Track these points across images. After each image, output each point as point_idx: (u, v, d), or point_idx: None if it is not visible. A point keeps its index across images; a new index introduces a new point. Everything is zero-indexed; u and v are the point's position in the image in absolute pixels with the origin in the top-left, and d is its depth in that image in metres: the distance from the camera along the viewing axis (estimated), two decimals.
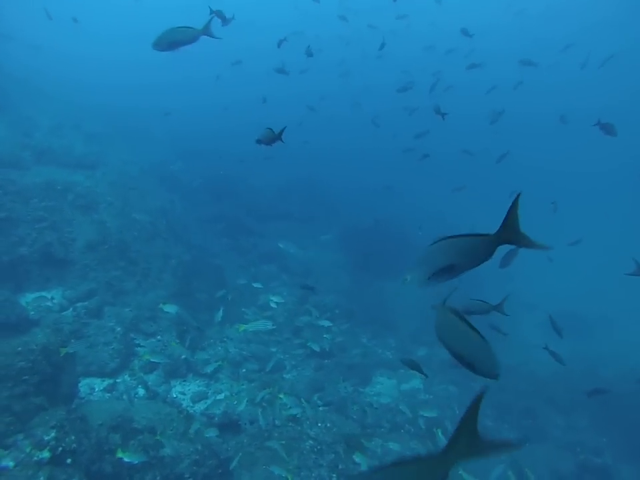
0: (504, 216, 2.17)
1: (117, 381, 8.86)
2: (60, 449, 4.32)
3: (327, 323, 12.84)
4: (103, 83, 27.59)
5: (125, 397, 8.50)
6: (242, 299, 14.31)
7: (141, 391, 8.82)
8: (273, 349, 12.96)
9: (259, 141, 5.13)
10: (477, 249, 2.30)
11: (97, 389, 8.50)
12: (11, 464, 4.14)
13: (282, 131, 5.13)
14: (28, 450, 4.27)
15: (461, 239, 2.34)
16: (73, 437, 4.69)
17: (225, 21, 11.10)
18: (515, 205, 2.13)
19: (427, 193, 27.34)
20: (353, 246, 21.08)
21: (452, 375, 15.87)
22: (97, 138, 16.46)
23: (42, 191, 11.10)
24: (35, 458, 4.19)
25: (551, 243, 2.10)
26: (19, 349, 6.41)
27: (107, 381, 8.78)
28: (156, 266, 11.66)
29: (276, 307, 15.43)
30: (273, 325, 9.04)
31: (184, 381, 9.61)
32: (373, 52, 15.41)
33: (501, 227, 2.19)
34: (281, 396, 8.26)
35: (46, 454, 4.19)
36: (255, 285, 12.97)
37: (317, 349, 12.68)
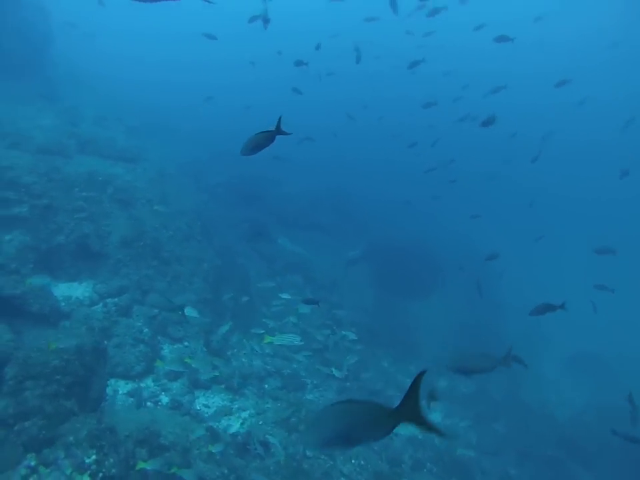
0: (404, 394, 2.16)
1: (141, 385, 8.53)
2: (100, 474, 3.96)
3: (351, 335, 12.48)
4: (142, 79, 27.79)
5: (149, 403, 8.18)
6: (267, 309, 14.03)
7: (164, 399, 8.46)
8: (295, 365, 12.55)
9: (245, 152, 4.25)
10: (375, 422, 2.18)
11: (120, 392, 8.17)
12: None
13: (278, 123, 4.18)
14: (69, 472, 3.94)
15: (361, 406, 2.22)
16: (111, 460, 4.34)
17: (266, 22, 11.03)
18: (415, 384, 2.12)
19: (454, 212, 26.79)
20: (380, 264, 20.70)
21: (471, 411, 15.37)
22: (137, 132, 16.43)
23: (84, 181, 10.94)
24: None
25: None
26: (54, 347, 6.12)
27: (131, 384, 8.46)
28: (188, 268, 11.38)
29: (296, 321, 15.19)
30: (300, 341, 8.66)
31: (208, 392, 9.23)
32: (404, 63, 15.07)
33: (400, 405, 2.15)
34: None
35: (86, 479, 3.83)
36: (283, 296, 12.65)
37: (339, 375, 12.38)
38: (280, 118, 4.18)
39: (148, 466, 5.49)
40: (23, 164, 9.74)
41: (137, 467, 5.31)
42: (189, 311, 8.56)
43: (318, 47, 12.09)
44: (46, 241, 9.45)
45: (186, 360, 8.07)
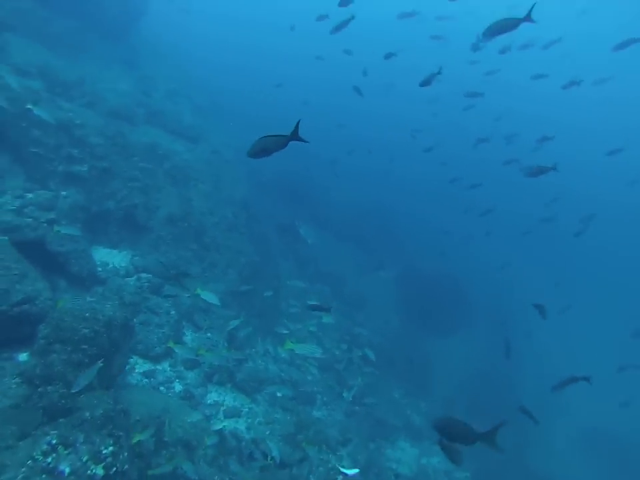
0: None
1: (158, 367, 8.40)
2: (114, 469, 3.78)
3: (370, 355, 12.10)
4: (221, 61, 28.16)
5: (162, 388, 8.03)
6: (290, 314, 13.84)
7: (178, 387, 8.30)
8: (309, 377, 12.27)
9: (252, 154, 3.91)
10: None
11: (137, 370, 8.06)
12: (67, 470, 3.65)
13: (296, 128, 3.78)
14: (85, 459, 3.79)
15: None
16: (125, 454, 4.15)
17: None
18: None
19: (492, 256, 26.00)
20: (410, 291, 20.25)
21: (472, 464, 14.76)
22: (204, 111, 16.53)
23: (144, 151, 11.00)
24: (89, 472, 3.68)
25: None
26: (87, 314, 6.02)
27: (148, 365, 8.34)
28: (225, 258, 11.26)
29: (315, 330, 14.90)
30: (322, 354, 8.33)
31: (221, 388, 9.03)
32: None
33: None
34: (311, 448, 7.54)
35: (100, 471, 3.67)
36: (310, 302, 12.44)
37: (347, 398, 12.12)
38: (298, 123, 3.79)
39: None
40: (93, 124, 9.84)
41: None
42: (208, 296, 8.03)
43: (388, 57, 11.77)
44: (97, 204, 9.49)
45: (200, 352, 7.82)
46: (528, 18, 6.08)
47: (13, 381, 5.03)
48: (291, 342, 7.78)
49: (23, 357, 5.64)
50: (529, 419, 8.52)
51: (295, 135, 3.76)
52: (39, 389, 5.03)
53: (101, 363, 5.04)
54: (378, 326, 17.36)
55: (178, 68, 18.70)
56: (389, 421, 13.63)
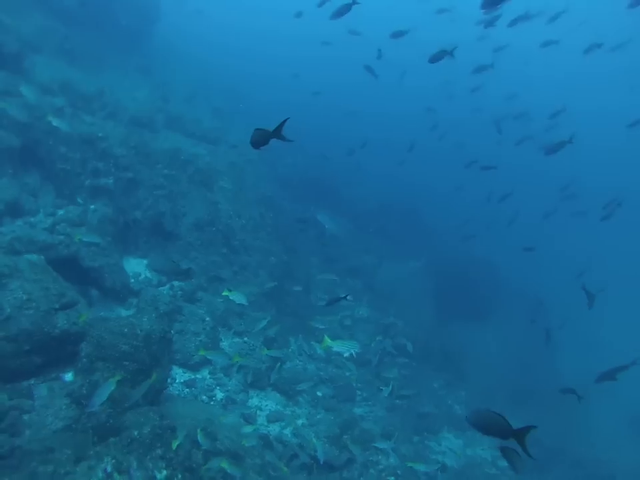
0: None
1: (197, 376, 8.37)
2: None
3: (409, 346, 12.36)
4: (237, 63, 27.98)
5: (204, 397, 7.99)
6: (323, 309, 13.64)
7: (219, 395, 8.26)
8: (347, 373, 12.12)
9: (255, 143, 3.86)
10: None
11: (177, 380, 8.04)
12: None
13: (280, 125, 3.71)
14: None
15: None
16: (179, 476, 4.06)
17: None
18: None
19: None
20: (441, 280, 19.84)
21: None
22: (222, 113, 16.43)
23: (167, 158, 10.94)
24: None
25: None
26: (125, 330, 6.00)
27: (189, 374, 8.33)
28: (255, 260, 11.16)
29: (350, 323, 14.73)
30: (359, 349, 8.12)
31: (262, 392, 8.95)
32: None
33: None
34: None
35: None
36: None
37: (386, 393, 11.97)
38: (284, 122, 3.71)
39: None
40: (116, 135, 9.83)
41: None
42: (237, 297, 7.85)
43: (397, 36, 11.29)
44: (124, 215, 9.50)
45: (235, 359, 7.71)
46: None
47: (63, 402, 5.04)
48: (329, 339, 7.60)
49: (68, 376, 5.65)
50: (573, 398, 8.25)
51: (277, 133, 3.71)
52: (87, 409, 5.01)
53: (153, 378, 4.99)
54: (411, 316, 17.07)
55: (194, 71, 18.62)
56: (431, 412, 13.40)
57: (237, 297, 7.79)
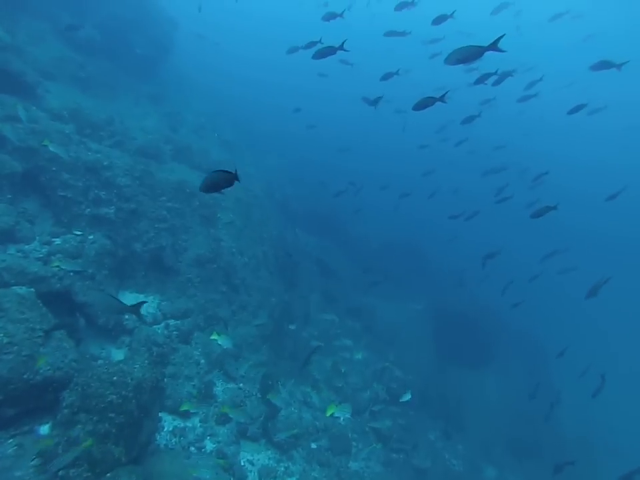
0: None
1: (187, 425, 7.80)
2: None
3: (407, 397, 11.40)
4: (249, 96, 28.34)
5: (192, 448, 7.42)
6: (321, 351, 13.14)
7: (209, 445, 7.68)
8: (343, 422, 11.55)
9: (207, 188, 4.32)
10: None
11: (165, 428, 7.48)
12: None
13: (236, 172, 4.23)
14: None
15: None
16: None
17: None
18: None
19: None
20: (441, 323, 19.45)
21: None
22: (230, 146, 16.33)
23: (172, 190, 10.68)
24: None
25: None
26: (115, 378, 5.52)
27: (178, 421, 7.76)
28: (255, 300, 10.74)
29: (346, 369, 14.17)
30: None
31: (255, 444, 8.35)
32: None
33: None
34: None
35: None
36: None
37: (394, 443, 11.87)
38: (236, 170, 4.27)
39: None
40: (121, 164, 9.59)
41: None
42: (224, 341, 7.65)
43: (387, 77, 11.28)
44: (124, 247, 9.13)
45: (224, 410, 7.31)
46: (494, 47, 5.92)
47: (31, 463, 4.50)
48: (334, 406, 7.51)
49: (44, 429, 5.12)
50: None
51: (236, 175, 4.20)
52: (60, 473, 4.48)
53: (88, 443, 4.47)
54: (410, 361, 16.59)
55: (205, 102, 18.71)
56: (428, 469, 12.75)
57: (224, 342, 7.56)
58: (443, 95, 6.74)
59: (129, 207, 9.48)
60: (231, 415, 7.35)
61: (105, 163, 9.30)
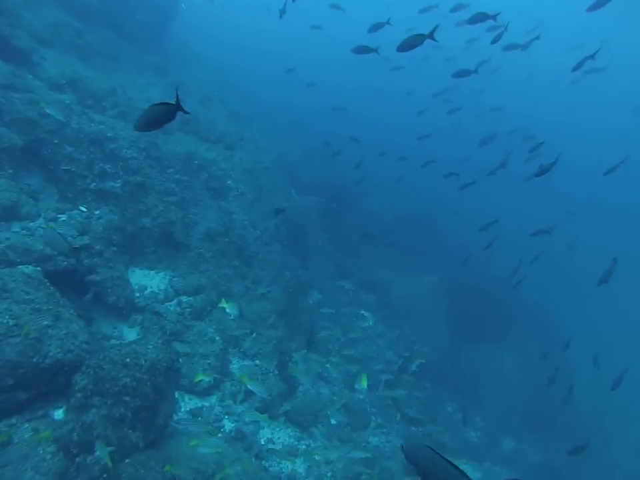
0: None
1: (205, 404, 7.58)
2: None
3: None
4: (257, 68, 27.37)
5: (211, 427, 7.20)
6: (335, 324, 12.89)
7: (228, 425, 7.47)
8: (361, 396, 11.36)
9: (140, 127, 3.80)
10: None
11: (183, 409, 7.26)
12: None
13: (177, 98, 3.71)
14: None
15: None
16: None
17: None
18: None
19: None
20: (456, 297, 19.09)
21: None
22: (238, 117, 15.72)
23: (180, 162, 10.22)
24: None
25: None
26: (127, 360, 5.23)
27: (195, 401, 7.54)
28: (269, 274, 10.39)
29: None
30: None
31: (274, 422, 8.14)
32: None
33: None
34: None
35: None
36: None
37: (412, 414, 11.61)
38: (177, 93, 3.84)
39: None
40: (126, 136, 9.12)
41: None
42: (230, 308, 7.15)
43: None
44: (132, 222, 8.76)
45: (243, 379, 6.93)
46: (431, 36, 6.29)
47: (48, 449, 4.25)
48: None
49: (58, 413, 4.87)
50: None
51: (178, 105, 3.66)
52: (77, 459, 4.23)
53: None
54: (427, 336, 16.36)
55: (210, 72, 17.97)
56: (447, 443, 12.63)
57: (232, 310, 7.14)
58: (432, 31, 6.25)
59: (135, 180, 9.06)
60: (249, 386, 7.03)
61: (110, 135, 8.84)
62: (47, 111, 7.44)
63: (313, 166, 19.18)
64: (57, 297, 5.65)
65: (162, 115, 3.66)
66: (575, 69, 10.84)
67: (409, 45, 6.15)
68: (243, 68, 24.54)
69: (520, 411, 16.21)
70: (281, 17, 10.55)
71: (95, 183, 8.52)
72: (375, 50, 8.23)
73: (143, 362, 5.30)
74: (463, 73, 10.72)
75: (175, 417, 6.97)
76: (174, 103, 3.65)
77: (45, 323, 4.58)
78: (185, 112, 3.75)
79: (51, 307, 5.07)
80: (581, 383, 19.31)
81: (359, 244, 16.89)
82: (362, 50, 8.28)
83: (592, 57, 9.83)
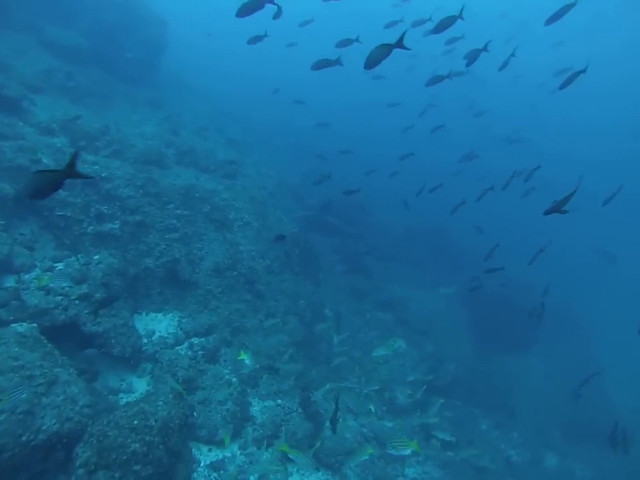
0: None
1: (226, 454, 6.94)
2: None
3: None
4: (250, 94, 27.36)
5: None
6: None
7: (252, 477, 6.79)
8: (389, 424, 10.66)
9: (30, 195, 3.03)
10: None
11: (202, 463, 6.62)
12: None
13: (72, 160, 2.95)
14: None
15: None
16: None
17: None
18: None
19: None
20: (476, 307, 18.34)
21: None
22: (237, 144, 15.42)
23: (180, 196, 9.80)
24: None
25: None
26: (135, 422, 4.65)
27: (215, 452, 6.90)
28: (283, 305, 9.83)
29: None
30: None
31: (302, 468, 7.46)
32: None
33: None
34: None
35: None
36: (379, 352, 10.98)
37: (448, 438, 10.50)
38: (76, 153, 3.06)
39: None
40: (122, 175, 8.73)
41: None
42: (250, 359, 7.00)
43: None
44: (134, 264, 8.29)
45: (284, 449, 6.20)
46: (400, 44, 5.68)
47: None
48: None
49: None
50: None
51: (72, 170, 2.94)
52: None
53: None
54: (450, 352, 15.63)
55: (204, 101, 17.80)
56: (488, 467, 11.79)
57: (249, 361, 6.92)
58: (400, 39, 5.82)
59: (134, 219, 8.64)
60: (290, 456, 6.29)
61: (104, 175, 8.45)
62: (44, 161, 7.09)
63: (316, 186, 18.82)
64: (54, 356, 5.14)
65: (46, 184, 2.98)
66: (562, 87, 10.11)
67: (375, 59, 5.56)
68: (234, 94, 24.49)
69: (558, 422, 15.33)
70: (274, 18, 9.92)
71: (92, 227, 8.10)
72: (338, 61, 7.69)
73: (153, 422, 4.73)
74: (436, 80, 10.27)
75: (194, 475, 6.36)
76: (64, 168, 2.95)
77: (24, 396, 3.99)
78: (84, 177, 3.25)
79: (45, 371, 4.53)
80: (615, 379, 18.45)
81: (370, 260, 16.34)
82: (322, 64, 7.69)
83: (583, 71, 9.13)
